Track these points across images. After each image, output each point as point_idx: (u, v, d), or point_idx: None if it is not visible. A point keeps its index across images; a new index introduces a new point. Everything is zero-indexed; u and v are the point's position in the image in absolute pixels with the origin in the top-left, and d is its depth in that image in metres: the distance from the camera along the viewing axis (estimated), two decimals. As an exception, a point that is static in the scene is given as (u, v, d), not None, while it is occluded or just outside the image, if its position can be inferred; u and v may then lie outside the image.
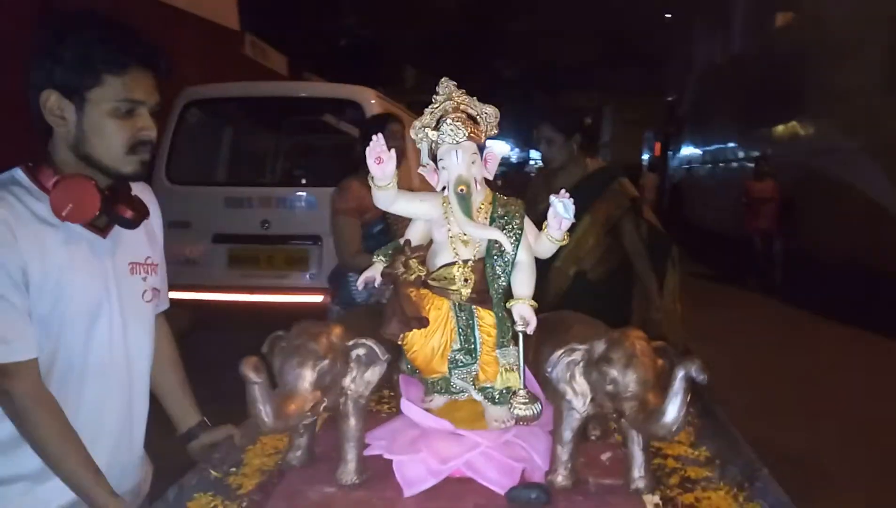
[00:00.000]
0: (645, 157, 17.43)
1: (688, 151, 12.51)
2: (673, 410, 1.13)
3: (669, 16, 18.21)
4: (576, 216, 1.41)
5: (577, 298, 2.91)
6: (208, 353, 3.05)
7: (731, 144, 11.02)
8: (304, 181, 5.52)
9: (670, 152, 14.23)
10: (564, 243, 1.48)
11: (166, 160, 4.51)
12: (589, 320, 1.49)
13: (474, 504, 1.29)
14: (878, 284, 6.40)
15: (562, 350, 1.32)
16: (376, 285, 1.59)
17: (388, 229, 2.83)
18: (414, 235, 1.56)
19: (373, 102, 4.72)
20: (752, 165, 10.50)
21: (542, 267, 1.54)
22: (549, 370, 1.32)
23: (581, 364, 1.31)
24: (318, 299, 4.42)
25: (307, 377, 1.26)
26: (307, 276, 4.68)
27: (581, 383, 1.31)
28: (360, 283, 1.60)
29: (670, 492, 1.34)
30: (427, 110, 1.52)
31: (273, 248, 4.66)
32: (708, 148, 11.26)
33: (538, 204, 1.48)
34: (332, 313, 3.18)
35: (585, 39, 19.89)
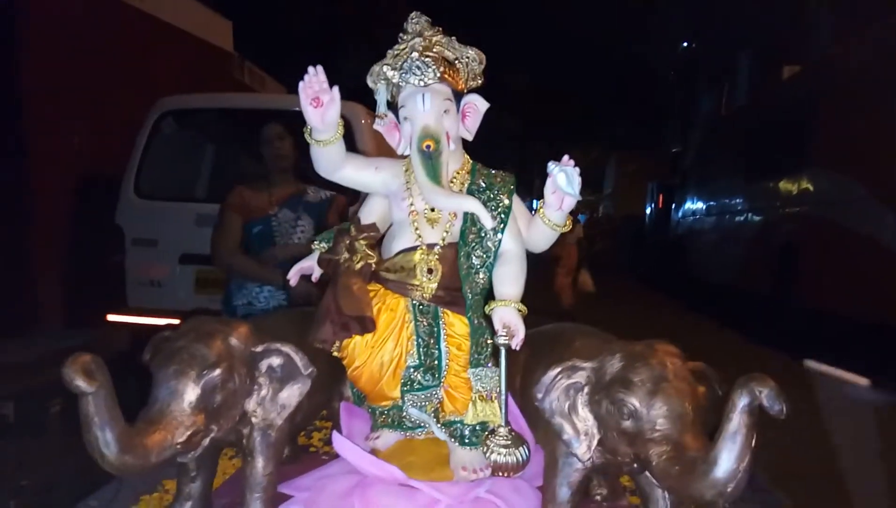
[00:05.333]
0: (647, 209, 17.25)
1: (693, 203, 12.05)
2: (728, 459, 0.73)
3: (673, 73, 18.33)
4: None
5: None
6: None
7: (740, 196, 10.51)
8: None
9: (674, 204, 13.85)
10: (567, 229, 1.10)
11: (136, 173, 4.15)
12: (599, 333, 1.10)
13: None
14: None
15: (558, 369, 0.92)
16: (313, 279, 1.21)
17: (269, 231, 2.40)
18: (368, 215, 1.18)
19: (363, 121, 4.37)
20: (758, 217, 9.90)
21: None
22: (538, 396, 0.93)
23: (586, 390, 0.92)
24: None
25: (186, 392, 0.87)
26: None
27: (585, 417, 0.91)
28: (292, 275, 1.22)
29: None
30: (389, 52, 1.16)
31: (245, 270, 4.26)
32: (716, 199, 10.80)
33: None
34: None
35: (587, 92, 19.89)
